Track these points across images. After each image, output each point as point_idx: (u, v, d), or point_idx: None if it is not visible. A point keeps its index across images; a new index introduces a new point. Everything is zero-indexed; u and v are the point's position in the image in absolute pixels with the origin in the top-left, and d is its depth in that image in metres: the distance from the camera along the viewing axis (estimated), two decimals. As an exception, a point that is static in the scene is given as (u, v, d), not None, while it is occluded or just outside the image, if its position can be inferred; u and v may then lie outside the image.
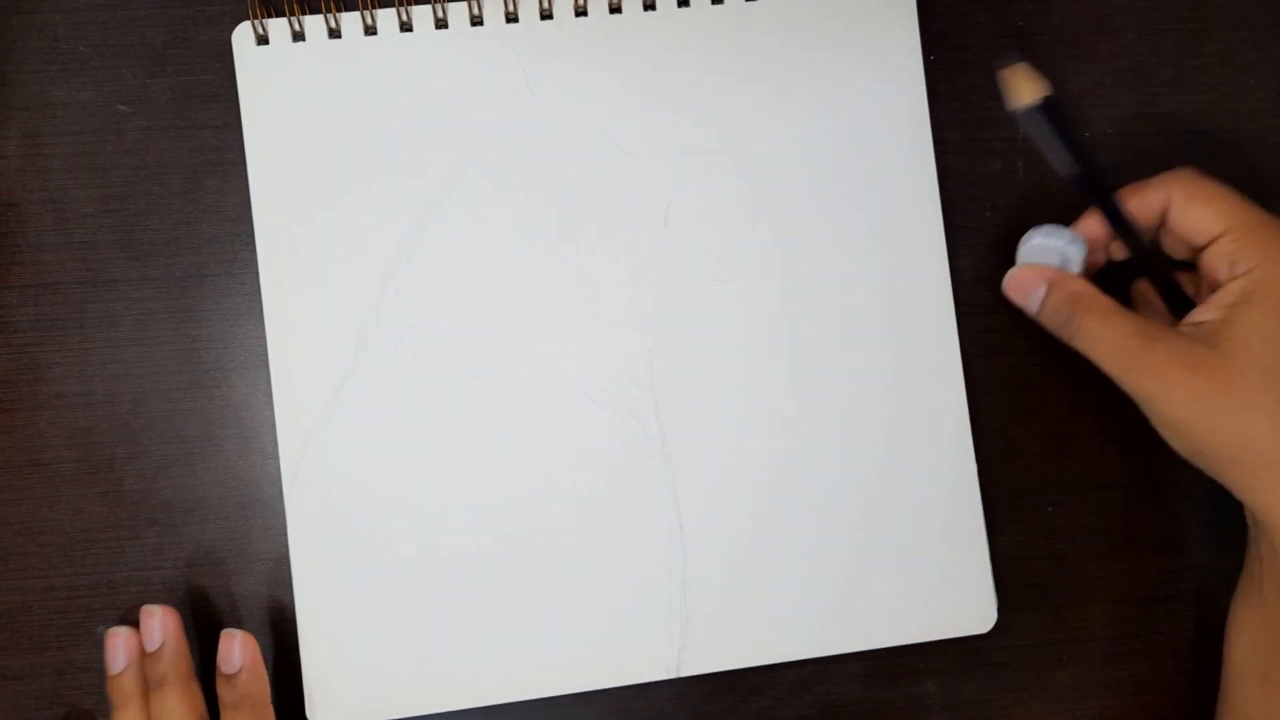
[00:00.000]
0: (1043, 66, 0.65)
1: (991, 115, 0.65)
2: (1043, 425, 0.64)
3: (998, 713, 0.62)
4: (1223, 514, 0.64)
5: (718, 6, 0.63)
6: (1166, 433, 0.57)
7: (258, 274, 0.61)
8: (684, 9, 0.63)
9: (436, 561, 0.61)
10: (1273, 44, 0.66)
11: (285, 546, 0.61)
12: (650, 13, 0.63)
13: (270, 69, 0.61)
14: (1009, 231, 0.64)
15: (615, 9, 0.62)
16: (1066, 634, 0.64)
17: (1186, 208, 0.57)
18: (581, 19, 0.62)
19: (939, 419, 0.62)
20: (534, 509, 0.61)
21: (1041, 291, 0.59)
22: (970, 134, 0.65)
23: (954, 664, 0.62)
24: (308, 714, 0.60)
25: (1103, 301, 0.57)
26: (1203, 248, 0.57)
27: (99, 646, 0.61)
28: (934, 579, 0.62)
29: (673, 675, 0.61)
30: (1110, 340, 0.56)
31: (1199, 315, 0.56)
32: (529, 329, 0.62)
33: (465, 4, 0.62)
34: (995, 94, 0.65)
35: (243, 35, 0.61)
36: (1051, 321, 0.59)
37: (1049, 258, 0.60)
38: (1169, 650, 0.64)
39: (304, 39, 0.61)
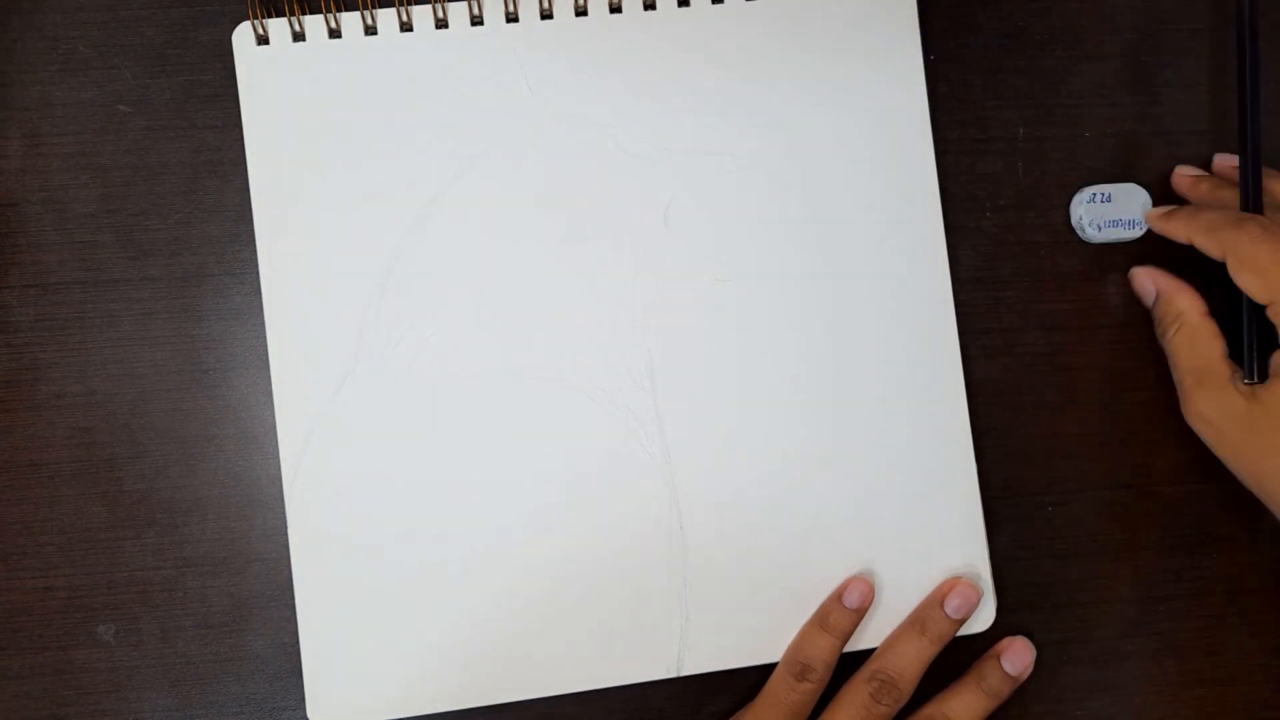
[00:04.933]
0: (1043, 66, 0.65)
1: (991, 115, 0.65)
2: (1042, 425, 0.64)
3: (998, 712, 0.61)
4: (1222, 514, 0.64)
5: (718, 6, 0.63)
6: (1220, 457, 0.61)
7: (258, 274, 0.61)
8: (684, 9, 0.63)
9: (436, 561, 0.61)
10: (1273, 44, 0.66)
11: (285, 546, 0.61)
12: (650, 12, 0.63)
13: (270, 69, 0.61)
14: (1008, 231, 0.64)
15: (615, 9, 0.62)
16: (1066, 634, 0.64)
17: (1238, 271, 0.58)
18: (581, 19, 0.62)
19: (939, 418, 0.62)
20: (534, 509, 0.61)
21: (1151, 298, 0.64)
22: (970, 134, 0.65)
23: (954, 663, 0.62)
24: (308, 714, 0.60)
25: (1193, 330, 0.62)
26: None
27: (99, 647, 0.61)
28: (934, 578, 0.62)
29: (674, 675, 0.61)
30: (1178, 365, 0.62)
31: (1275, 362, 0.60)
32: (529, 329, 0.61)
33: (465, 4, 0.62)
34: (995, 94, 0.65)
35: (243, 35, 0.61)
36: (1155, 317, 0.64)
37: None
38: (1169, 650, 0.64)
39: (304, 39, 0.61)
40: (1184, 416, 0.62)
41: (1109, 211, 0.64)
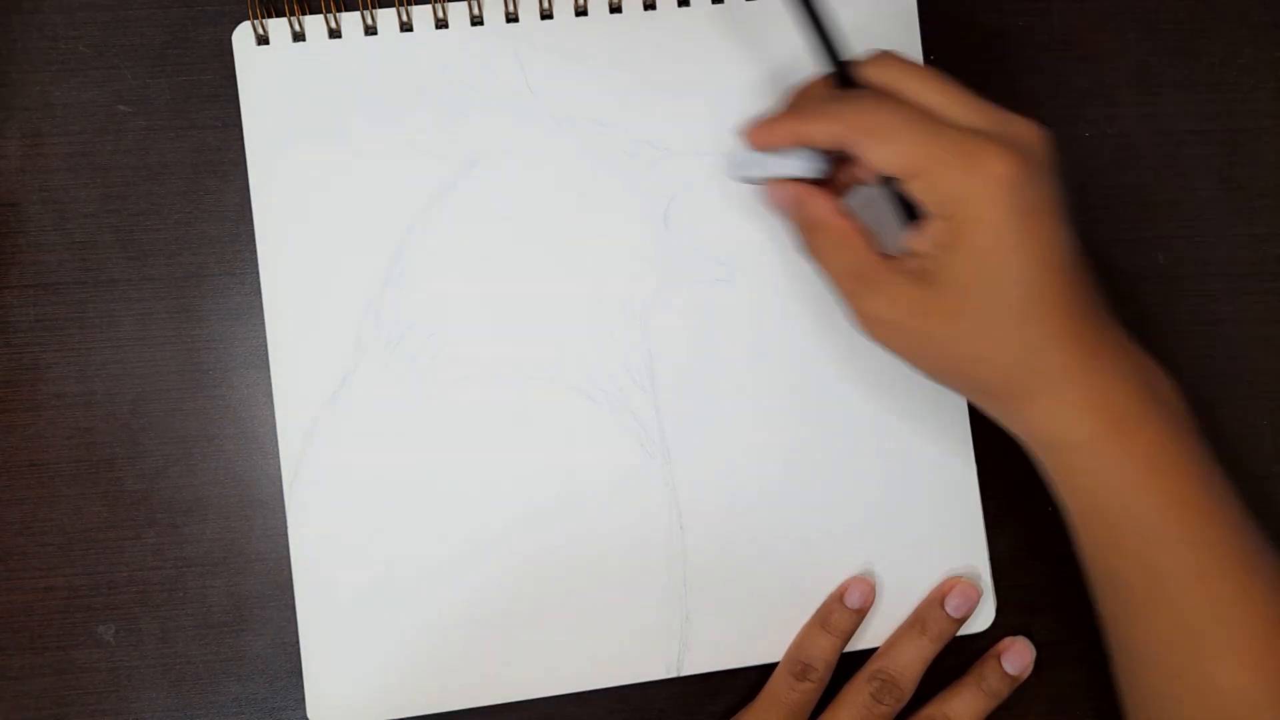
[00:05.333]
0: (1043, 66, 0.65)
1: (991, 115, 0.65)
2: (1043, 425, 0.64)
3: (998, 712, 0.61)
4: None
5: (718, 6, 0.63)
6: (902, 360, 0.55)
7: (257, 274, 0.61)
8: (684, 9, 0.63)
9: (436, 561, 0.61)
10: (1273, 44, 0.66)
11: (285, 546, 0.61)
12: (650, 12, 0.63)
13: (270, 69, 0.61)
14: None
15: (615, 9, 0.62)
16: (1065, 634, 0.64)
17: (867, 144, 0.52)
18: (582, 19, 0.62)
19: (939, 419, 0.62)
20: (534, 509, 0.61)
21: (786, 211, 0.58)
22: (970, 134, 0.65)
23: (954, 663, 0.62)
24: (308, 714, 0.60)
25: (833, 230, 0.55)
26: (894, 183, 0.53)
27: (99, 647, 0.61)
28: (934, 578, 0.62)
29: (674, 674, 0.61)
30: (832, 272, 0.55)
31: (918, 243, 0.52)
32: (529, 329, 0.62)
33: (465, 4, 0.62)
34: (995, 94, 0.65)
35: (243, 35, 0.61)
36: (798, 236, 0.58)
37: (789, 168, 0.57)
38: (1169, 650, 0.64)
39: (304, 39, 0.61)
40: (857, 328, 0.55)
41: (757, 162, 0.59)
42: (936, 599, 0.61)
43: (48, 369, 0.62)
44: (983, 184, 0.50)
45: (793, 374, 0.62)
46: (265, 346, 0.61)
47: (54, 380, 0.62)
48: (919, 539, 0.62)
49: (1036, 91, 0.65)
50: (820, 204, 0.56)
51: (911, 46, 0.64)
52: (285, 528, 0.61)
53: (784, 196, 0.57)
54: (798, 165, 0.56)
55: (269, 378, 0.61)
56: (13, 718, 0.61)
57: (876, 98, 0.53)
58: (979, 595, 0.62)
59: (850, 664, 0.61)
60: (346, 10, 0.62)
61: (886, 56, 0.54)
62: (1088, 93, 0.66)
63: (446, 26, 0.62)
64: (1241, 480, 0.64)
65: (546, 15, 0.62)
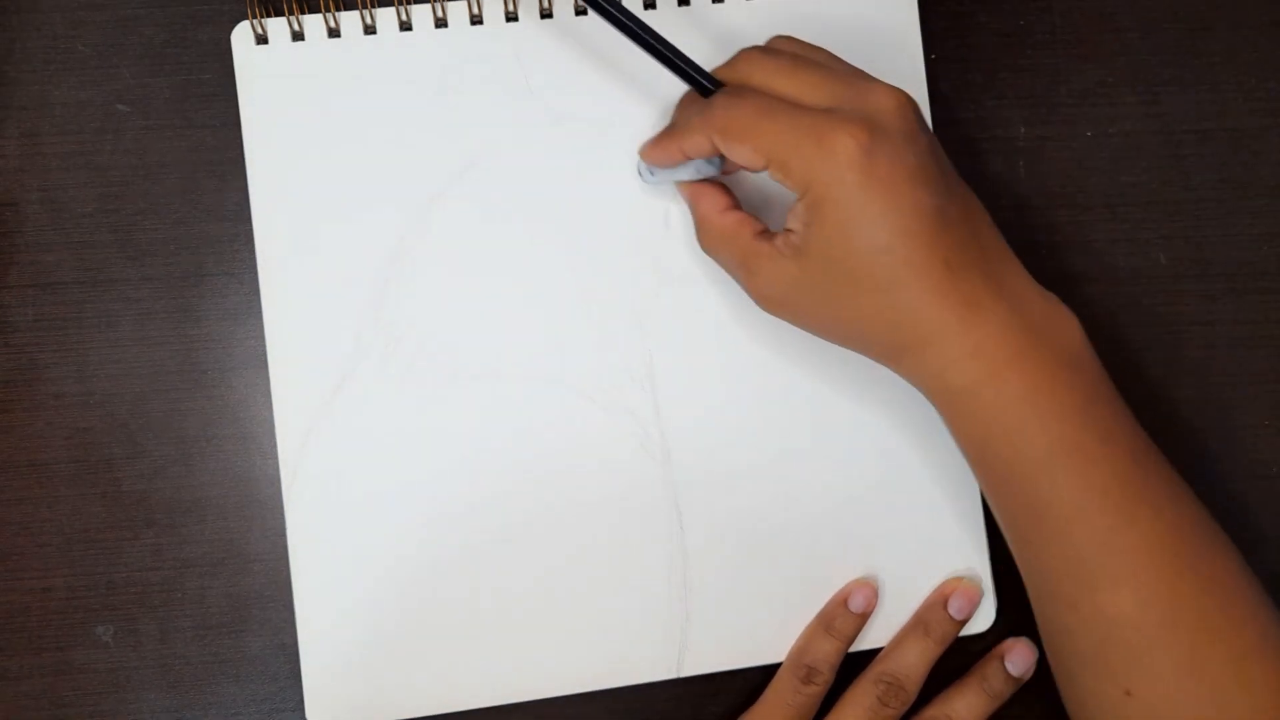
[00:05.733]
0: (1044, 65, 0.65)
1: (992, 115, 0.65)
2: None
3: (998, 712, 0.61)
4: (1223, 516, 0.63)
5: (718, 6, 0.63)
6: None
7: (256, 274, 0.61)
8: (684, 8, 0.63)
9: (436, 562, 0.60)
10: (1273, 44, 0.66)
11: (284, 547, 0.61)
12: (650, 11, 0.62)
13: (269, 68, 0.61)
14: (1010, 231, 0.64)
15: (616, 8, 0.62)
16: (1067, 634, 0.64)
17: (727, 147, 0.54)
18: (581, 18, 0.62)
19: (939, 420, 0.62)
20: (534, 509, 0.61)
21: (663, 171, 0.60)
22: (970, 133, 0.65)
23: (955, 664, 0.62)
24: (307, 715, 0.60)
25: (719, 223, 0.58)
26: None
27: (98, 647, 0.61)
28: (934, 578, 0.62)
29: (674, 675, 0.61)
30: (728, 270, 0.59)
31: (791, 221, 0.55)
32: (528, 329, 0.61)
33: (465, 3, 0.62)
34: (996, 93, 0.65)
35: (242, 35, 0.61)
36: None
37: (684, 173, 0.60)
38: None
39: (303, 38, 0.61)
40: (764, 312, 0.58)
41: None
42: (939, 600, 0.61)
43: (46, 369, 0.62)
44: (832, 163, 0.52)
45: (793, 374, 0.62)
46: (264, 346, 0.61)
47: (52, 380, 0.62)
48: (920, 539, 0.62)
49: (1037, 91, 0.65)
50: (705, 203, 0.59)
51: (912, 45, 0.63)
52: (284, 528, 0.61)
53: (685, 198, 0.61)
54: (693, 170, 0.59)
55: (268, 378, 0.61)
56: (11, 718, 0.60)
57: (731, 98, 0.55)
58: (981, 596, 0.62)
59: (851, 664, 0.61)
60: (346, 10, 0.61)
61: (742, 53, 0.57)
62: (1089, 92, 0.66)
63: (446, 26, 0.62)
64: (1242, 480, 0.65)
65: (546, 14, 0.62)
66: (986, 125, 0.65)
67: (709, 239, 0.59)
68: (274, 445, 0.61)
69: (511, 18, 0.62)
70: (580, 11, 0.62)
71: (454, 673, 0.61)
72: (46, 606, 0.61)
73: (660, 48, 0.56)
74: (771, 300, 0.57)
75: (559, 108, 0.62)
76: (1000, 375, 0.53)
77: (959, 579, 0.62)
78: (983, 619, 0.62)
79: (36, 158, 0.62)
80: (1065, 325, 0.54)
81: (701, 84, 0.57)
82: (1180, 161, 0.65)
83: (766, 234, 0.57)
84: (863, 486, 0.62)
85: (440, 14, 0.62)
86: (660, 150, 0.59)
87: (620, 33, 0.56)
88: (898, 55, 0.63)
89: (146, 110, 0.63)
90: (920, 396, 0.60)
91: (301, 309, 0.61)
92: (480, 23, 0.62)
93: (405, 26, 0.62)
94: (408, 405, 0.61)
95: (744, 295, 0.59)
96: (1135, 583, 0.52)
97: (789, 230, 0.55)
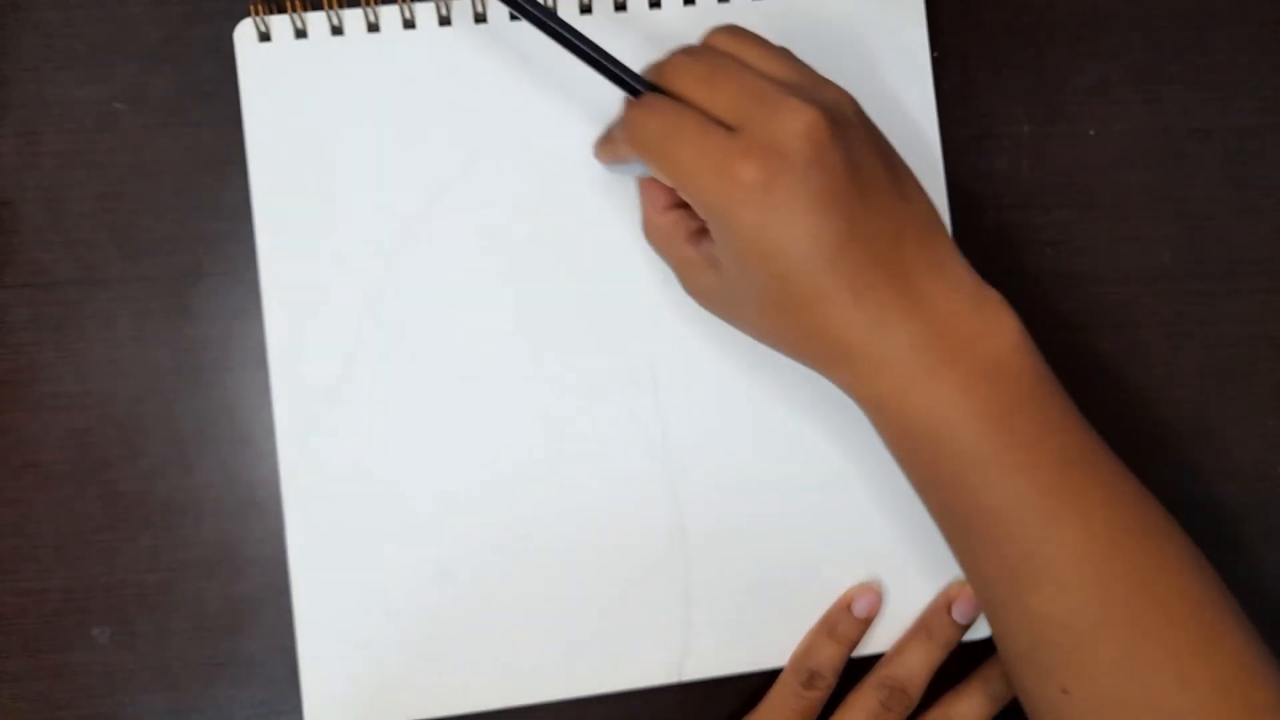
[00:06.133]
0: (1048, 63, 0.65)
1: (996, 112, 0.65)
2: (1047, 426, 0.64)
3: (999, 718, 0.61)
4: (1221, 514, 0.63)
5: (724, 5, 0.63)
6: None
7: (254, 272, 0.61)
8: (690, 7, 0.63)
9: (436, 564, 0.60)
10: (1273, 44, 0.66)
11: (282, 548, 0.60)
12: (656, 10, 0.62)
13: (272, 66, 0.61)
14: (1013, 230, 0.64)
15: (620, 6, 0.62)
16: (1071, 636, 0.63)
17: (645, 160, 0.55)
18: (586, 16, 0.62)
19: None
20: (535, 511, 0.61)
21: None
22: (974, 131, 0.65)
23: (956, 669, 0.62)
24: (306, 717, 0.60)
25: (658, 223, 0.59)
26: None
27: (94, 649, 0.60)
28: (938, 583, 0.62)
29: (675, 680, 0.61)
30: (667, 264, 0.60)
31: (710, 237, 0.56)
32: (530, 330, 0.61)
33: (469, 1, 0.62)
34: (1000, 91, 0.65)
35: (245, 32, 0.61)
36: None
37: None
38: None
39: (306, 36, 0.61)
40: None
41: None
42: (942, 605, 0.61)
43: (43, 368, 0.61)
44: (729, 192, 0.52)
45: (797, 377, 0.62)
46: (262, 346, 0.61)
47: (49, 380, 0.61)
48: (924, 543, 0.62)
49: (1041, 89, 0.65)
50: (646, 199, 0.60)
51: (919, 42, 0.63)
52: (281, 530, 0.60)
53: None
54: (640, 166, 0.59)
55: (266, 377, 0.61)
56: (9, 721, 0.60)
57: (642, 111, 0.55)
58: None
59: (854, 670, 0.61)
60: (349, 7, 0.61)
61: (672, 54, 0.56)
62: (1092, 90, 0.66)
63: (449, 24, 0.62)
64: (1242, 480, 0.65)
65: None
66: (990, 123, 0.65)
67: (648, 235, 0.60)
68: (271, 446, 0.61)
69: (515, 16, 0.62)
70: (584, 10, 0.62)
71: (454, 675, 0.60)
72: (43, 608, 0.61)
73: (586, 49, 0.56)
74: (702, 300, 0.59)
75: (562, 107, 0.62)
76: (909, 390, 0.53)
77: (963, 583, 0.62)
78: (985, 624, 0.62)
79: (33, 156, 0.62)
80: (995, 330, 0.54)
81: (631, 86, 0.56)
82: (1183, 160, 0.65)
83: (700, 234, 0.57)
84: (866, 491, 0.62)
85: (444, 11, 0.61)
86: (600, 150, 0.61)
87: (545, 34, 0.56)
88: (903, 53, 0.63)
89: (144, 109, 0.63)
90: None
91: (303, 308, 0.60)
92: (484, 20, 0.62)
93: (409, 24, 0.61)
94: (408, 405, 0.60)
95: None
96: (1062, 586, 0.52)
97: (711, 240, 0.55)
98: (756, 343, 0.60)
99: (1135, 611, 0.52)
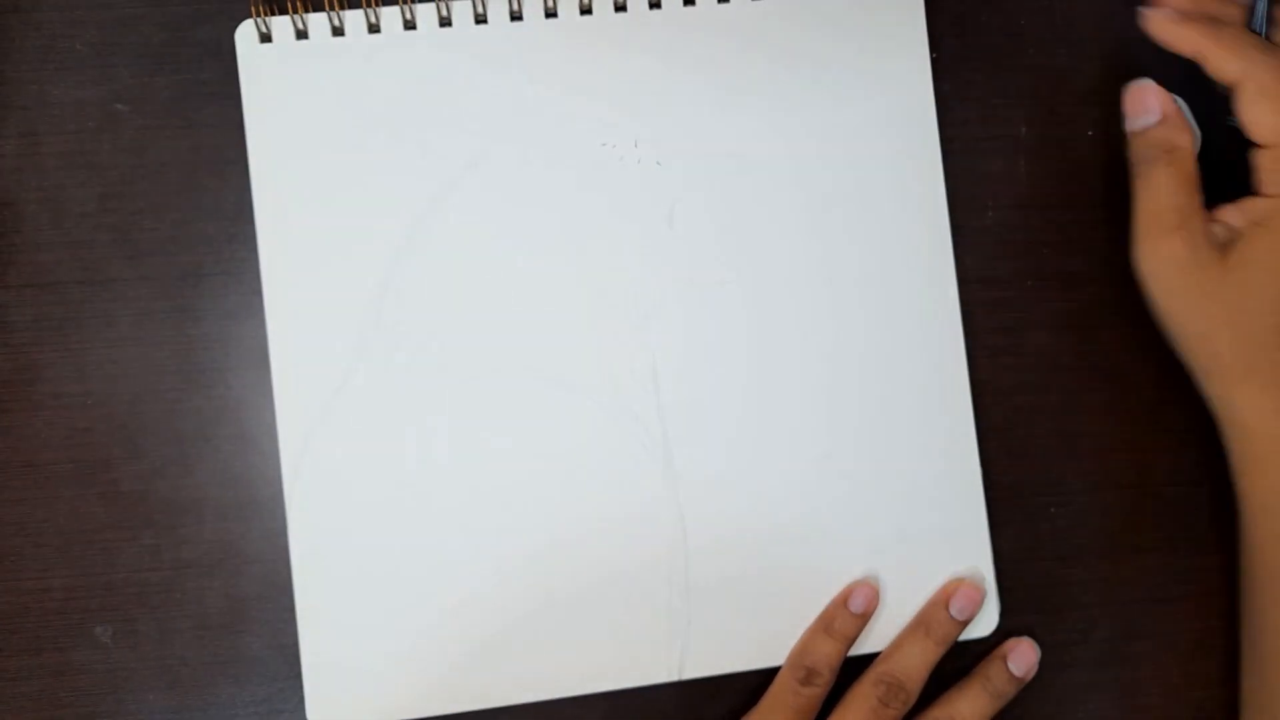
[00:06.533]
0: (1046, 65, 0.65)
1: (994, 113, 0.65)
2: (1046, 426, 0.64)
3: (1001, 715, 0.61)
4: (1225, 515, 0.64)
5: (723, 6, 0.63)
6: (1153, 305, 0.60)
7: (256, 273, 0.61)
8: (689, 8, 0.63)
9: (437, 563, 0.60)
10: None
11: (283, 547, 0.60)
12: (655, 11, 0.62)
13: (273, 67, 0.61)
14: (1011, 230, 0.64)
15: (620, 8, 0.62)
16: (1069, 636, 0.64)
17: (1256, 99, 0.56)
18: (586, 17, 0.62)
19: (943, 419, 0.62)
20: (535, 511, 0.61)
21: (1154, 118, 0.60)
22: (972, 132, 0.65)
23: (957, 667, 0.62)
24: (307, 715, 0.60)
25: (1185, 168, 0.59)
26: (1253, 145, 0.57)
27: (96, 648, 0.60)
28: (936, 580, 0.62)
29: (675, 678, 0.61)
30: (1157, 201, 0.59)
31: (1229, 215, 0.57)
32: (531, 330, 0.61)
33: (469, 2, 0.62)
34: (998, 92, 0.65)
35: (246, 33, 0.61)
36: (1138, 147, 0.61)
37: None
38: (1172, 652, 0.64)
39: (307, 37, 0.61)
40: (1136, 259, 0.60)
41: None
42: (940, 601, 0.61)
43: (45, 369, 0.61)
44: None
45: (796, 377, 0.62)
46: (263, 346, 0.61)
47: (51, 380, 0.61)
48: (922, 541, 0.62)
49: (1039, 90, 0.65)
50: (1189, 138, 0.60)
51: (918, 43, 0.64)
52: (283, 528, 0.60)
53: (1164, 108, 0.60)
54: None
55: (267, 377, 0.61)
56: (9, 719, 0.60)
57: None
58: (983, 597, 0.62)
59: (853, 667, 0.61)
60: (350, 8, 0.61)
61: None
62: (1091, 91, 0.66)
63: (450, 25, 0.62)
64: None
65: (551, 14, 0.62)
66: (988, 124, 0.65)
67: (1172, 170, 0.59)
68: (273, 445, 0.61)
69: (516, 17, 0.62)
70: (584, 11, 0.62)
71: (455, 673, 0.60)
72: (45, 607, 0.61)
73: None
74: (1163, 266, 0.59)
75: (563, 107, 0.62)
76: None
77: (961, 580, 0.62)
78: (985, 623, 0.62)
79: (35, 157, 0.62)
80: None
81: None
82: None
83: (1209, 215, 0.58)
84: (865, 489, 0.62)
85: (445, 13, 0.62)
86: (1185, 31, 0.59)
87: None
88: (902, 54, 0.63)
89: (145, 109, 0.63)
90: (924, 399, 0.60)
91: (304, 308, 0.61)
92: (484, 22, 0.62)
93: (409, 25, 0.61)
94: (410, 405, 0.61)
95: (747, 295, 0.60)
96: None
97: (1221, 221, 0.57)
98: (755, 344, 0.60)
99: None
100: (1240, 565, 0.60)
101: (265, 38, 0.61)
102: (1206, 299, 0.57)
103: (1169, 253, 0.58)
